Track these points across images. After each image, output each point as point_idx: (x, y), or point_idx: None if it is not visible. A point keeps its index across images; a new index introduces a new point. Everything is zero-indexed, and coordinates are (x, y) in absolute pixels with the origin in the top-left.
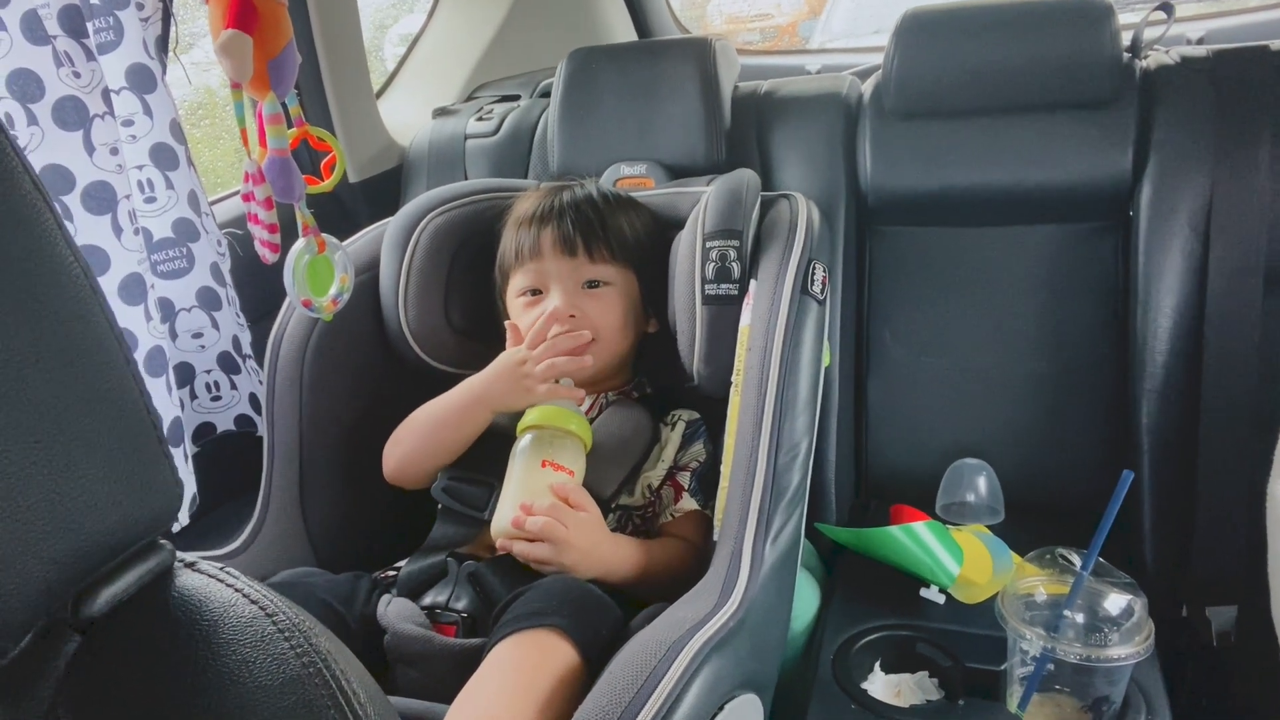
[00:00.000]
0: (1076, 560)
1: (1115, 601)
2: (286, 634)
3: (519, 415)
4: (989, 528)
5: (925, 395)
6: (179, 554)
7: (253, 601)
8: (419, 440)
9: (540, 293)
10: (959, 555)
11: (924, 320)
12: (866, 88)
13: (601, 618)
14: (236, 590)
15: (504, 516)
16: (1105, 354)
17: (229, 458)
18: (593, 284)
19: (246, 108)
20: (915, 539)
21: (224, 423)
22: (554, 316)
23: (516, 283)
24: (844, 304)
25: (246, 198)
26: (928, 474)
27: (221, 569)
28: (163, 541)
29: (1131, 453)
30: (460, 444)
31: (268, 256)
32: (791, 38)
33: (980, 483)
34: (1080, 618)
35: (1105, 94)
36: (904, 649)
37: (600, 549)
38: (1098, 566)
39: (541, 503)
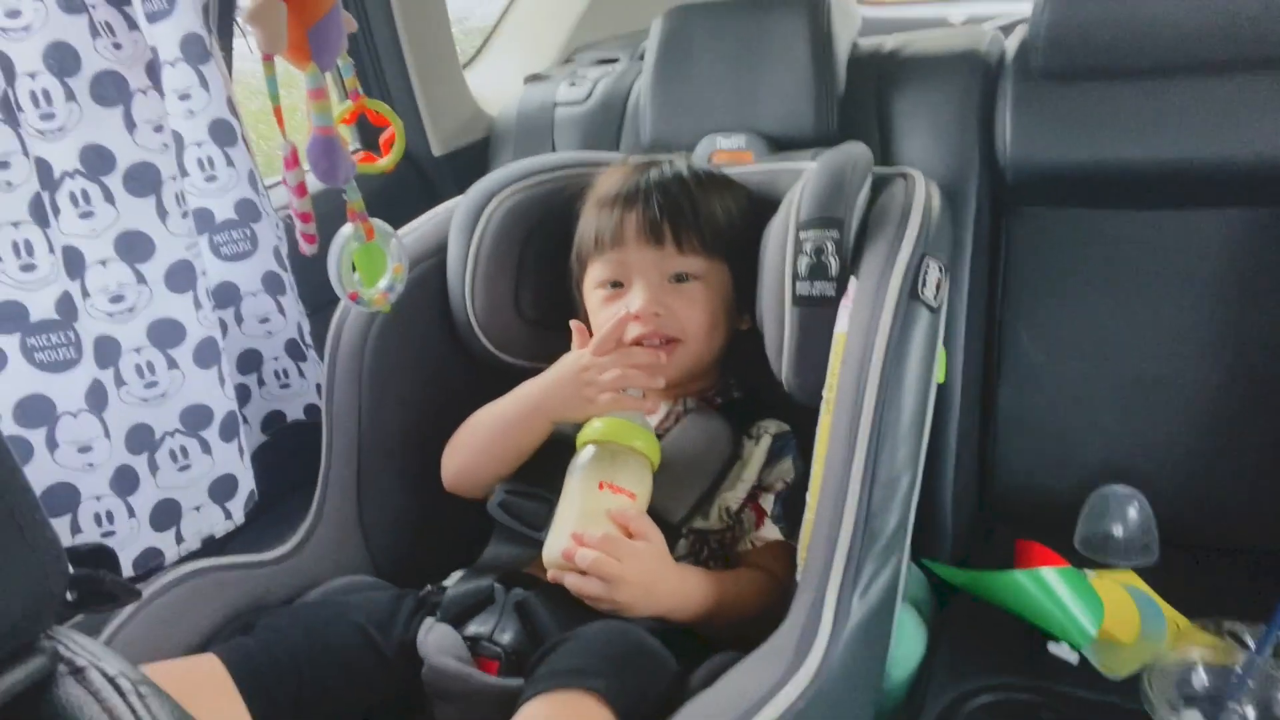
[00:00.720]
0: (1250, 638)
1: None
2: None
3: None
4: (1138, 571)
5: (1067, 406)
6: (69, 653)
7: None
8: (475, 450)
9: (621, 285)
10: (1099, 610)
11: (1069, 318)
12: (1011, 43)
13: (650, 677)
14: (113, 718)
15: (555, 545)
16: None
17: (299, 447)
18: (680, 278)
19: (281, 82)
20: (1044, 587)
21: (294, 411)
22: (627, 320)
23: (595, 273)
24: (973, 298)
25: (285, 182)
26: (1066, 497)
27: (112, 679)
28: (45, 643)
29: None
30: (519, 455)
31: (305, 247)
32: None
33: (1130, 514)
34: (1250, 712)
35: None
36: (1025, 717)
37: (661, 586)
38: (1278, 646)
39: (593, 533)
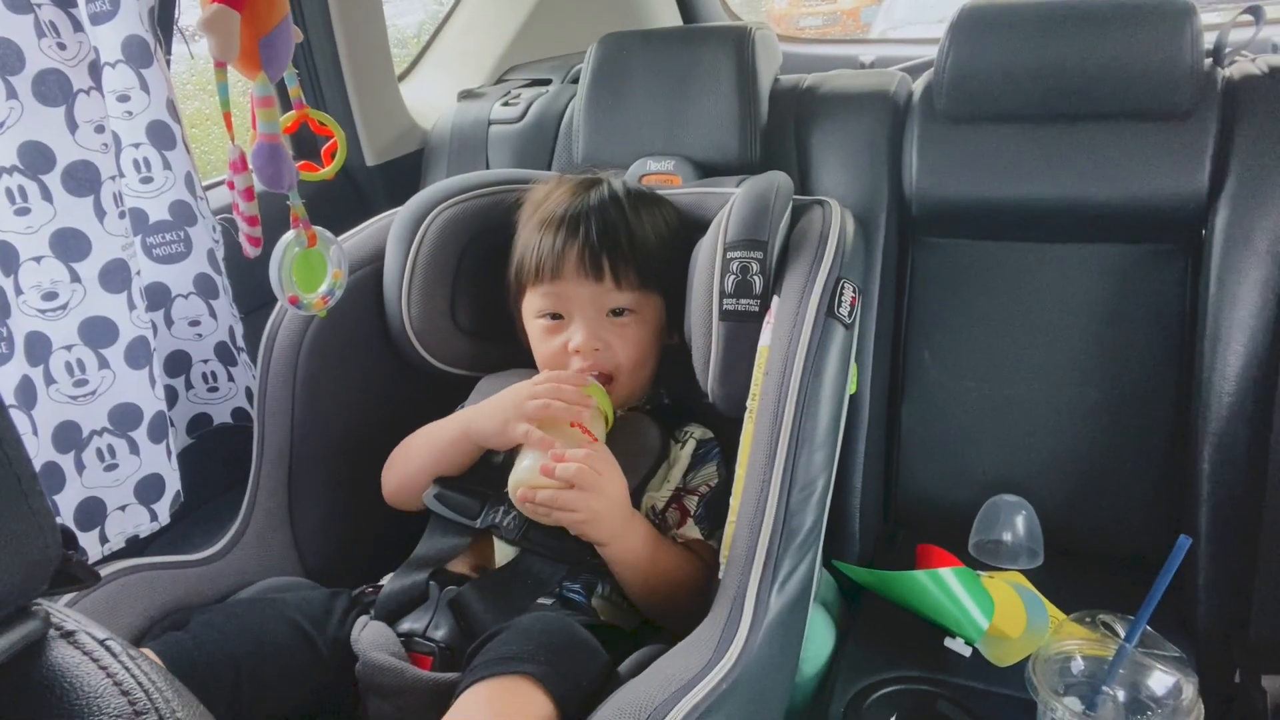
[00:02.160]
0: (1121, 628)
1: (1161, 680)
2: None
3: None
4: (1025, 573)
5: (964, 422)
6: (57, 619)
7: (124, 693)
8: (410, 470)
9: (561, 317)
10: (989, 607)
11: (967, 340)
12: (917, 86)
13: (584, 665)
14: (109, 675)
15: (529, 467)
16: (1165, 389)
17: (223, 451)
18: (617, 312)
19: (231, 89)
20: (942, 586)
21: (220, 415)
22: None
23: (535, 302)
24: (880, 319)
25: (230, 185)
26: (962, 506)
27: (103, 642)
28: (35, 607)
29: (1189, 500)
30: (455, 472)
31: (249, 250)
32: (855, 23)
33: (1018, 522)
34: (1121, 694)
35: (1182, 105)
36: (923, 705)
37: (624, 505)
38: (1145, 636)
39: (575, 451)
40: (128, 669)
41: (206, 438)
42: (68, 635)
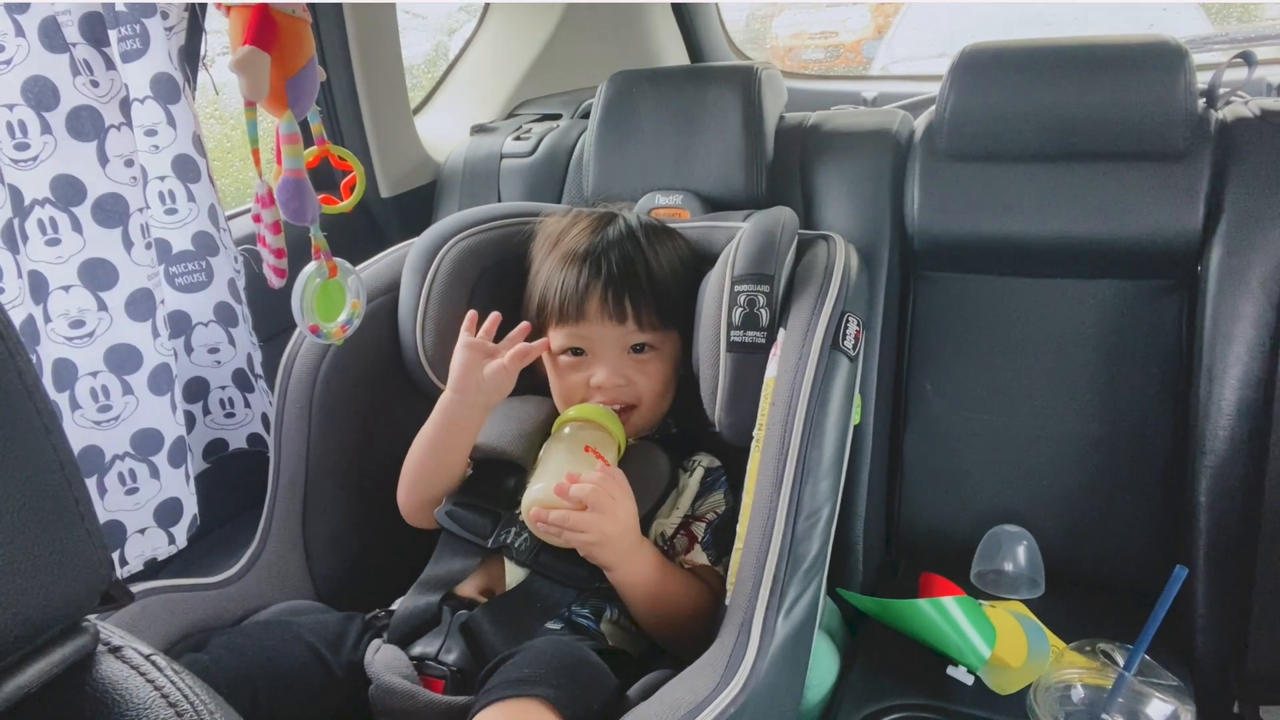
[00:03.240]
0: (1120, 657)
1: (1160, 708)
2: None
3: (526, 446)
4: (1026, 602)
5: (965, 453)
6: (105, 635)
7: (171, 704)
8: (417, 467)
9: (582, 352)
10: (991, 635)
11: (968, 373)
12: (919, 125)
13: (595, 688)
14: (156, 689)
15: (543, 488)
16: (1162, 422)
17: (239, 475)
18: (638, 348)
19: (260, 126)
20: (945, 615)
21: (236, 440)
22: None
23: (556, 339)
24: (883, 351)
25: (257, 219)
26: (964, 536)
27: (149, 657)
28: (86, 623)
29: (1186, 531)
30: (455, 454)
31: (274, 281)
32: (856, 56)
33: (1020, 552)
34: None
35: (1177, 145)
36: None
37: (634, 532)
38: (1143, 665)
39: (590, 474)
40: (173, 683)
41: (221, 463)
42: (115, 650)
